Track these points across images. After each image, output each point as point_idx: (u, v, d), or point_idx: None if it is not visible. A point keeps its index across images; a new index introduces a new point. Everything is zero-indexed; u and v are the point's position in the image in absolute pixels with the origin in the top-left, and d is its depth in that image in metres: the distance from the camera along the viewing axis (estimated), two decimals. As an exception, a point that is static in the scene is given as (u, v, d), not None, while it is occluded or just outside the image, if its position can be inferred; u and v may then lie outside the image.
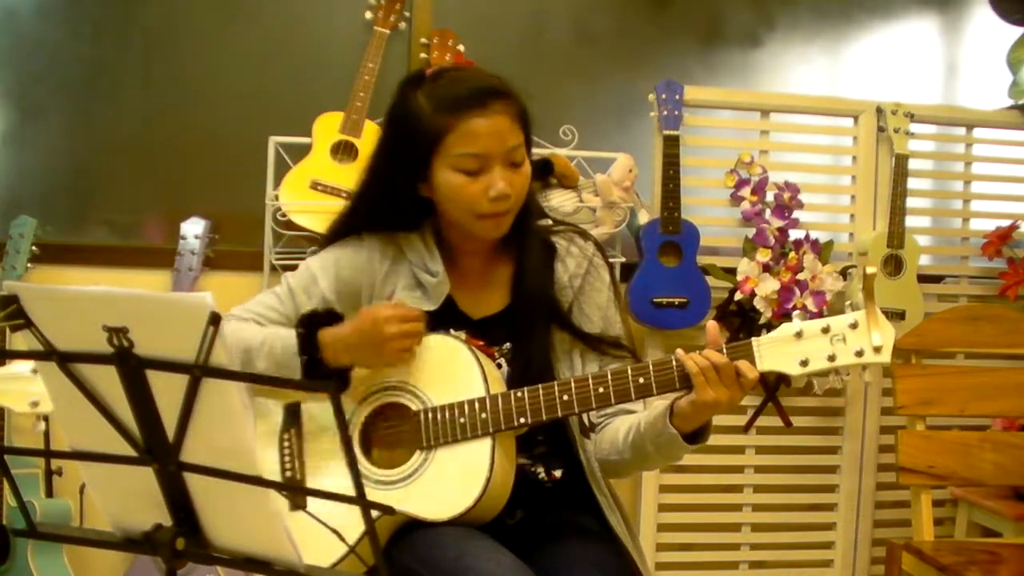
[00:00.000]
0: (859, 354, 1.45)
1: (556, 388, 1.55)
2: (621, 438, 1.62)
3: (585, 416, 1.68)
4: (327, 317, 1.59)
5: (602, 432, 1.68)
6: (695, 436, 1.55)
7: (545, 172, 2.76)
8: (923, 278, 3.04)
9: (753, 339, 1.49)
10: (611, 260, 1.80)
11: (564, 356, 1.67)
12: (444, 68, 1.65)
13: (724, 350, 1.49)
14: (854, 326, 1.46)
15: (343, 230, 1.71)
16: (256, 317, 1.66)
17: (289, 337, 1.57)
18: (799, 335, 1.47)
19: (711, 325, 1.52)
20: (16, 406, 1.83)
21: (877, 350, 1.45)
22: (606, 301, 1.72)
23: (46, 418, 2.37)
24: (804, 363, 1.47)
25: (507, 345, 1.68)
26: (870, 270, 1.45)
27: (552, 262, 1.70)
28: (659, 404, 1.57)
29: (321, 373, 1.57)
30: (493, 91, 1.56)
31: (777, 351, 1.48)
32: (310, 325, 1.58)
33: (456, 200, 1.58)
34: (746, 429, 2.96)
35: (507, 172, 1.57)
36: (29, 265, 2.63)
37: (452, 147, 1.55)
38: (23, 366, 1.84)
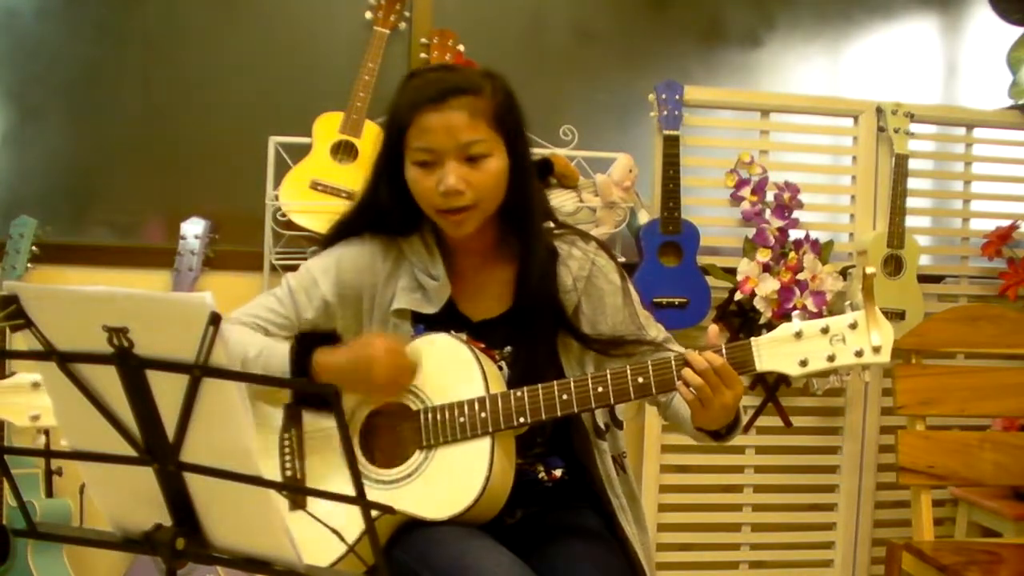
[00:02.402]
0: (859, 354, 1.45)
1: (556, 388, 1.55)
2: (681, 419, 1.64)
3: (600, 419, 1.69)
4: (324, 337, 1.59)
5: (672, 408, 1.69)
6: (728, 429, 1.59)
7: (545, 172, 2.76)
8: (923, 278, 3.04)
9: (752, 339, 1.49)
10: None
11: (575, 363, 1.66)
12: (427, 67, 1.67)
13: (723, 351, 1.49)
14: (853, 326, 1.46)
15: (344, 231, 1.71)
16: (257, 321, 1.65)
17: (285, 354, 1.57)
18: (799, 335, 1.47)
19: (712, 329, 1.53)
20: (17, 420, 1.83)
21: (876, 350, 1.45)
22: (620, 306, 1.70)
23: (46, 432, 2.37)
24: (803, 363, 1.47)
25: (508, 348, 1.67)
26: (869, 270, 1.45)
27: (555, 266, 1.69)
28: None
29: (310, 392, 1.57)
30: (454, 88, 1.56)
31: (776, 351, 1.48)
32: (306, 344, 1.57)
33: (417, 195, 1.60)
34: (746, 429, 2.95)
35: (462, 167, 1.57)
36: (29, 265, 2.64)
37: (411, 141, 1.58)
38: (25, 378, 1.84)
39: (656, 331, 1.73)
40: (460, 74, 1.62)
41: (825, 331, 1.47)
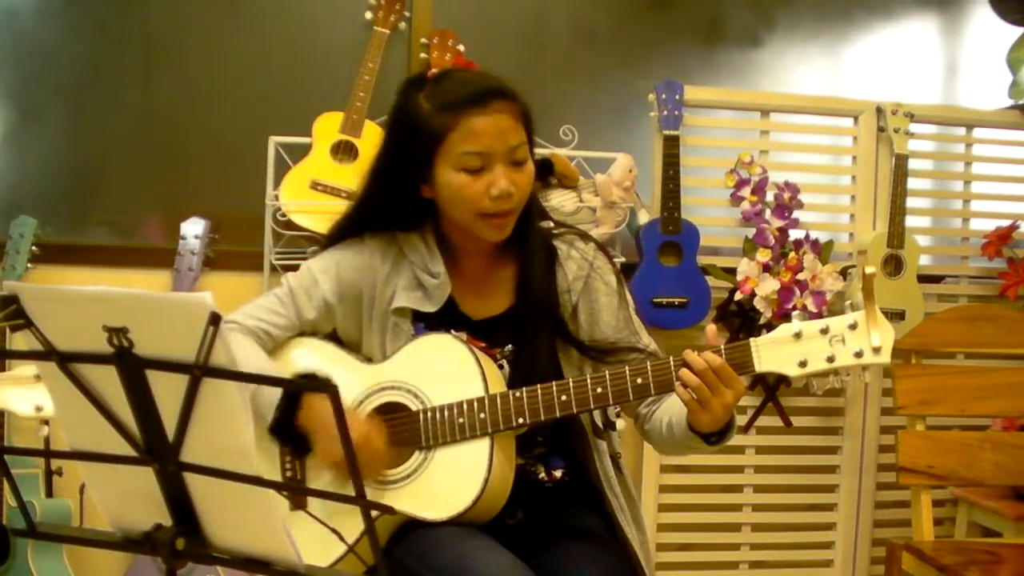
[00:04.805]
0: (858, 355, 1.44)
1: (554, 388, 1.55)
2: (664, 432, 1.62)
3: (598, 418, 1.69)
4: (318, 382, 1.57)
5: (651, 423, 1.67)
6: (722, 433, 1.55)
7: (545, 172, 2.75)
8: (923, 278, 3.04)
9: (751, 340, 1.49)
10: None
11: (575, 363, 1.67)
12: (446, 70, 1.66)
13: (722, 352, 1.48)
14: (853, 327, 1.45)
15: (345, 231, 1.71)
16: (259, 323, 1.65)
17: (276, 394, 1.55)
18: (798, 336, 1.47)
19: (710, 328, 1.53)
20: (21, 411, 1.83)
21: (876, 351, 1.44)
22: (616, 306, 1.70)
23: (46, 432, 2.37)
24: (803, 364, 1.46)
25: (509, 347, 1.67)
26: (869, 270, 1.44)
27: (553, 266, 1.69)
28: (680, 409, 1.56)
29: (286, 434, 1.57)
30: (494, 91, 1.56)
31: (776, 352, 1.47)
32: (294, 397, 1.55)
33: (459, 200, 1.58)
34: (746, 429, 2.96)
35: (510, 171, 1.57)
36: (29, 265, 2.63)
37: (455, 146, 1.55)
38: (26, 370, 1.84)
39: (648, 340, 1.72)
40: (492, 78, 1.61)
41: (825, 331, 1.46)
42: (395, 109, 1.63)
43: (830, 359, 1.45)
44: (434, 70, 1.64)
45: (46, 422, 2.32)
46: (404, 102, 1.61)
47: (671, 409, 1.61)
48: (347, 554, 1.51)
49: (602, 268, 1.72)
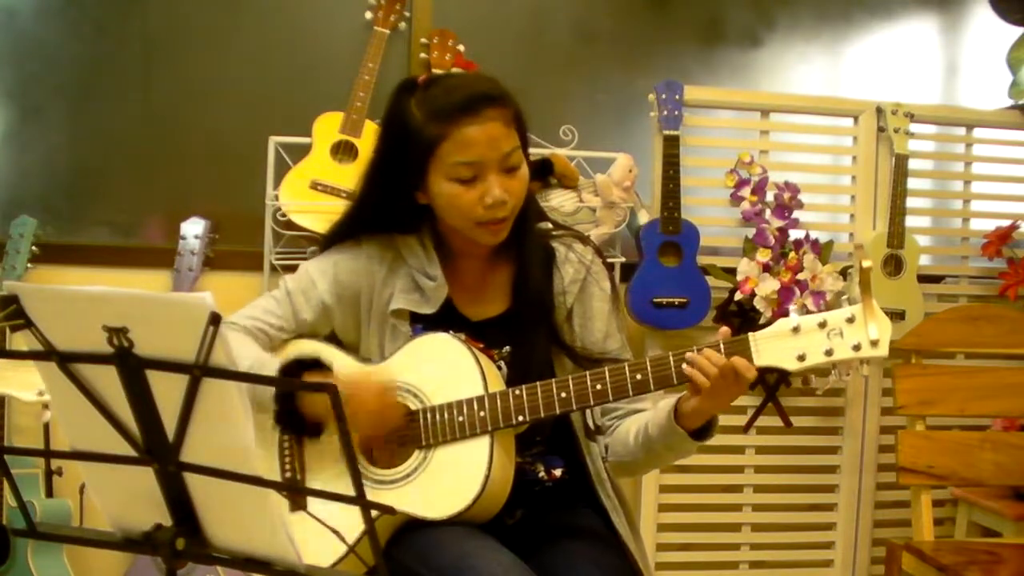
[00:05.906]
0: (856, 348, 1.44)
1: (554, 385, 1.55)
2: (632, 440, 1.63)
3: (590, 419, 1.69)
4: (313, 363, 1.55)
5: (613, 435, 1.68)
6: (702, 432, 1.56)
7: (545, 172, 2.75)
8: (923, 278, 3.04)
9: (750, 334, 1.49)
10: (611, 260, 1.79)
11: (570, 367, 1.67)
12: (437, 76, 1.65)
13: (721, 346, 1.49)
14: (851, 320, 1.45)
15: (342, 234, 1.71)
16: (256, 323, 1.65)
17: (273, 372, 1.53)
18: (796, 330, 1.47)
19: (723, 331, 1.52)
20: (22, 395, 1.83)
21: (874, 344, 1.44)
22: (608, 312, 1.71)
23: (46, 432, 2.37)
24: (801, 358, 1.46)
25: (506, 348, 1.68)
26: (866, 263, 1.44)
27: (550, 268, 1.69)
28: (663, 405, 1.57)
29: (292, 422, 1.55)
30: (485, 97, 1.54)
31: (774, 346, 1.47)
32: (293, 370, 1.54)
33: (453, 209, 1.58)
34: (746, 429, 2.96)
35: (503, 178, 1.56)
36: (29, 265, 2.63)
37: (447, 156, 1.54)
38: None
39: (629, 354, 1.72)
40: (483, 82, 1.59)
41: (823, 325, 1.46)
42: (387, 115, 1.62)
43: (828, 352, 1.45)
44: (424, 75, 1.63)
45: (47, 406, 2.32)
46: (395, 109, 1.59)
47: (642, 417, 1.62)
48: (348, 555, 1.51)
49: (599, 273, 1.72)
